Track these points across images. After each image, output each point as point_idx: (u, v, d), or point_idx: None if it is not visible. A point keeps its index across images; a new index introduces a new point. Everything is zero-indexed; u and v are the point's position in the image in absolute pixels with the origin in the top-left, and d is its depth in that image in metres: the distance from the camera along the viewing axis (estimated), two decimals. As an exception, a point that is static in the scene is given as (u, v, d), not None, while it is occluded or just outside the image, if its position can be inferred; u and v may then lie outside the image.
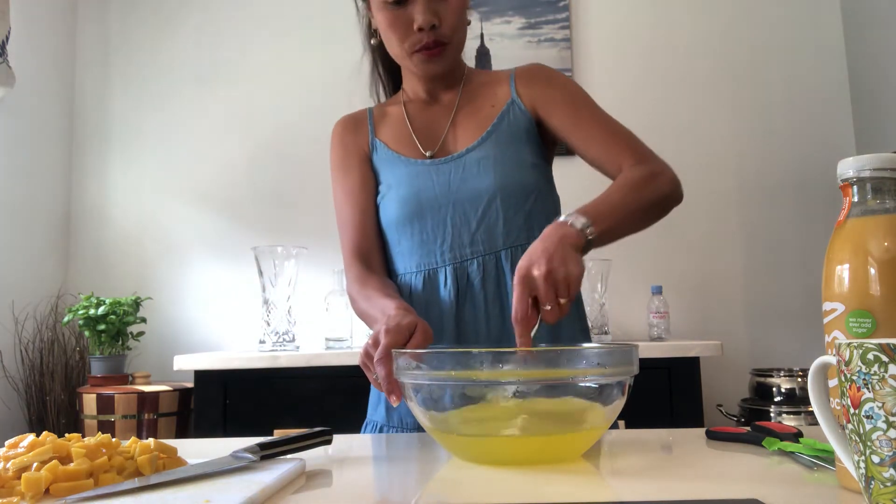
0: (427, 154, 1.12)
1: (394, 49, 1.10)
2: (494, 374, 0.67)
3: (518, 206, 1.06)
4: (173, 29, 2.76)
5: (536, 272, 0.82)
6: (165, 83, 2.75)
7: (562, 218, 0.91)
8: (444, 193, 1.08)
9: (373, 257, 1.12)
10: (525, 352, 0.77)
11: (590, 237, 0.89)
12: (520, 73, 1.16)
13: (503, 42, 2.66)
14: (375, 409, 1.13)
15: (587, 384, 0.69)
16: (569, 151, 1.11)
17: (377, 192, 1.15)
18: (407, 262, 1.10)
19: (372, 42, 1.17)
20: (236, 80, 2.73)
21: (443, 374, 0.69)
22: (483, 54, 2.66)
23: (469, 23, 1.12)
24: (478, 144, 1.10)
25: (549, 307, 0.82)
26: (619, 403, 0.71)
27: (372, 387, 1.08)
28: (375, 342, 0.84)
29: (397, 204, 1.10)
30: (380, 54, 1.21)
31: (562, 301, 0.82)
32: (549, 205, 1.11)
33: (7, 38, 2.21)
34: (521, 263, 0.84)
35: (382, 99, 1.26)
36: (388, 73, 1.24)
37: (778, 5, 2.68)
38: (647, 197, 0.99)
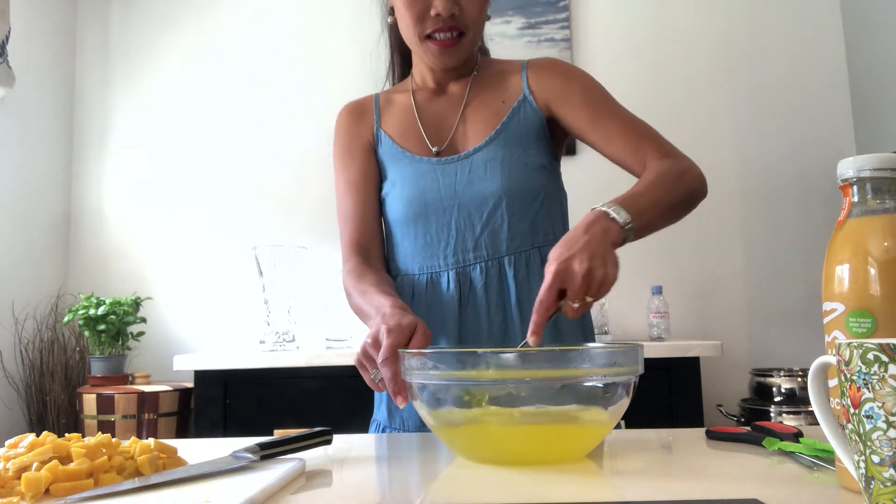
0: (434, 151, 1.09)
1: (407, 32, 1.07)
2: (506, 374, 0.67)
3: (523, 212, 1.04)
4: (173, 29, 2.76)
5: (577, 268, 0.78)
6: (165, 83, 2.75)
7: (602, 207, 0.87)
8: (450, 195, 1.06)
9: (372, 251, 1.10)
10: (535, 352, 0.76)
11: (629, 234, 0.86)
12: (533, 66, 1.12)
13: (503, 42, 2.66)
14: (378, 409, 1.12)
15: (594, 384, 0.69)
16: (570, 150, 1.09)
17: (381, 185, 1.13)
18: (409, 264, 1.09)
19: (389, 20, 1.14)
20: (236, 80, 2.73)
21: (460, 374, 0.68)
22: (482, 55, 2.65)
23: (489, 17, 1.09)
24: (485, 144, 1.07)
25: (577, 305, 0.79)
26: (624, 403, 0.71)
27: None
28: (375, 342, 0.82)
29: (402, 204, 1.08)
30: (395, 34, 1.17)
31: (588, 300, 0.80)
32: (554, 206, 1.09)
33: (7, 38, 2.21)
34: (560, 252, 0.80)
35: (397, 82, 1.22)
36: (400, 55, 1.20)
37: (778, 5, 2.68)
38: (681, 192, 0.97)
